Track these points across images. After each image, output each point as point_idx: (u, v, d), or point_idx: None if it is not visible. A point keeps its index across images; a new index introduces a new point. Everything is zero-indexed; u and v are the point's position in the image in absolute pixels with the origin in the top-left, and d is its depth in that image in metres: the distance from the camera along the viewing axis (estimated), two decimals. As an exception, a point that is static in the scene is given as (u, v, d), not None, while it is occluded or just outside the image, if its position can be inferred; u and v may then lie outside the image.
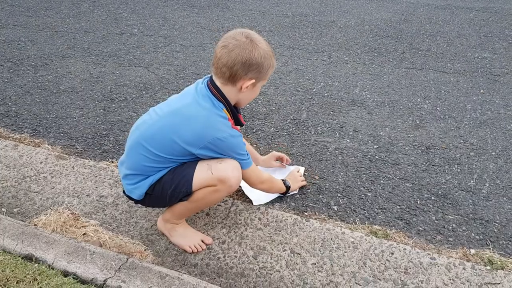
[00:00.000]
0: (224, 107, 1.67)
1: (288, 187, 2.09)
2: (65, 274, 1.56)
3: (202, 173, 1.67)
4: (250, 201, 2.11)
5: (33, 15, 4.93)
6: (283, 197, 2.14)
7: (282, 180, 2.10)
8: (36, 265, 1.57)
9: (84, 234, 1.93)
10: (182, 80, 3.33)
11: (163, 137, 1.64)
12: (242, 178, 1.80)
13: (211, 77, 1.69)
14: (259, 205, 2.09)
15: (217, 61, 1.62)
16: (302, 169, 2.31)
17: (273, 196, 2.14)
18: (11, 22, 4.67)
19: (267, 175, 1.95)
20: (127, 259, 1.61)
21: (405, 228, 1.97)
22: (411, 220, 2.01)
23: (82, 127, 2.70)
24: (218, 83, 1.66)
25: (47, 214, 2.03)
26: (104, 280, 1.52)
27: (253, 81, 1.64)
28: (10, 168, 2.32)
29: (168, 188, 1.71)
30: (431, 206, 2.09)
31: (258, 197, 2.12)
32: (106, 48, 3.92)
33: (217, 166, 1.66)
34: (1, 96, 3.09)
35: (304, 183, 2.21)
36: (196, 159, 1.70)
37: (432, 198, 2.14)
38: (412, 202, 2.12)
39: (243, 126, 2.29)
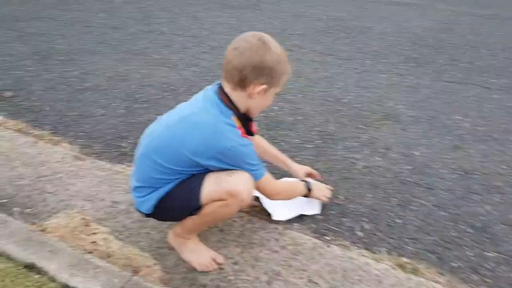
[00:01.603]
0: (233, 114, 1.55)
1: (309, 189, 1.93)
2: (66, 288, 1.47)
3: (211, 186, 1.56)
4: (268, 216, 1.97)
5: (65, 9, 4.95)
6: (304, 216, 2.00)
7: (303, 180, 1.96)
8: (36, 276, 1.49)
9: (93, 242, 1.84)
10: (207, 82, 3.19)
11: (169, 147, 1.54)
12: (257, 190, 1.69)
13: (219, 83, 1.58)
14: (278, 221, 1.96)
15: (227, 64, 1.51)
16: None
17: (295, 213, 2.00)
18: (43, 15, 4.70)
19: (282, 185, 1.82)
20: (131, 277, 1.51)
21: (437, 263, 1.79)
22: (444, 255, 1.83)
23: (102, 127, 2.63)
24: (227, 88, 1.55)
25: (58, 217, 1.96)
26: (105, 299, 1.42)
27: (265, 86, 1.52)
28: (27, 166, 2.27)
29: (176, 202, 1.60)
30: (467, 239, 1.90)
31: (278, 211, 1.99)
32: (135, 46, 3.86)
33: (227, 179, 1.55)
34: (27, 90, 3.06)
35: (326, 199, 2.05)
36: (206, 171, 1.59)
37: (469, 230, 1.95)
38: (447, 233, 1.93)
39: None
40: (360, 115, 2.83)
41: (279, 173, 2.16)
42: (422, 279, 1.69)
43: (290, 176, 2.17)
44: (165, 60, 3.59)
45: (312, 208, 2.03)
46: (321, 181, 2.16)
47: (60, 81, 3.21)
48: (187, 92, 3.06)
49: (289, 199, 1.95)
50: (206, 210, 1.61)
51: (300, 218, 1.99)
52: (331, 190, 2.08)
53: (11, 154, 2.34)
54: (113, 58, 3.62)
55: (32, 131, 2.56)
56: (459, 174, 2.32)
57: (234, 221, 1.95)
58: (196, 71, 3.40)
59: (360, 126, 2.71)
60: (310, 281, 1.68)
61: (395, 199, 2.12)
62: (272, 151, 2.14)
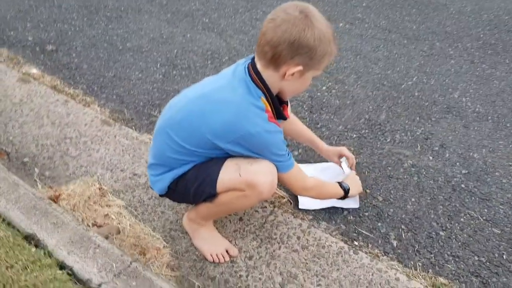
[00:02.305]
0: (263, 95, 1.35)
1: (346, 191, 1.73)
2: (62, 266, 1.38)
3: (228, 174, 1.40)
4: (294, 207, 1.79)
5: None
6: (338, 210, 1.79)
7: (338, 182, 1.75)
8: (34, 249, 1.41)
9: (106, 215, 1.76)
10: (253, 53, 3.02)
11: (189, 125, 1.38)
12: (281, 183, 1.51)
13: (253, 58, 1.37)
14: (304, 217, 1.77)
15: (261, 36, 1.30)
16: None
17: (326, 204, 1.80)
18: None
19: (313, 181, 1.61)
20: (130, 263, 1.39)
21: (479, 290, 1.54)
22: (490, 280, 1.56)
23: (137, 92, 2.52)
24: (259, 65, 1.34)
25: (76, 183, 1.89)
26: (99, 285, 1.31)
27: (300, 68, 1.30)
28: (54, 126, 2.21)
29: (191, 186, 1.46)
30: (522, 267, 1.62)
31: (308, 199, 1.81)
32: (184, 7, 3.68)
33: (247, 167, 1.38)
34: (68, 46, 3.00)
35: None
36: (226, 155, 1.42)
37: (526, 256, 1.66)
38: (497, 255, 1.66)
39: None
40: (419, 105, 2.52)
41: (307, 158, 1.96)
42: (460, 308, 1.46)
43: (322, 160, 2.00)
44: (213, 25, 3.40)
45: (348, 200, 1.82)
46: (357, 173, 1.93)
47: (103, 38, 3.11)
48: (230, 62, 2.86)
49: (319, 198, 1.76)
50: (221, 199, 1.45)
51: (330, 216, 1.79)
52: (367, 189, 1.85)
53: (41, 111, 2.29)
54: (160, 18, 3.46)
55: (66, 89, 2.50)
56: (524, 186, 1.99)
57: (255, 211, 1.79)
58: (243, 39, 3.18)
59: (416, 118, 2.41)
60: (328, 290, 1.50)
61: (442, 207, 1.85)
62: (305, 133, 1.94)
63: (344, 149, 1.95)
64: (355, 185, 1.81)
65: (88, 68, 2.72)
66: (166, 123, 1.45)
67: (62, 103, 2.36)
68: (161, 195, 1.58)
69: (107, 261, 1.38)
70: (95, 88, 2.53)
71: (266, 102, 1.37)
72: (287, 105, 1.54)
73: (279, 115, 1.44)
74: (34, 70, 2.68)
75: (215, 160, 1.44)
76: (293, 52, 1.27)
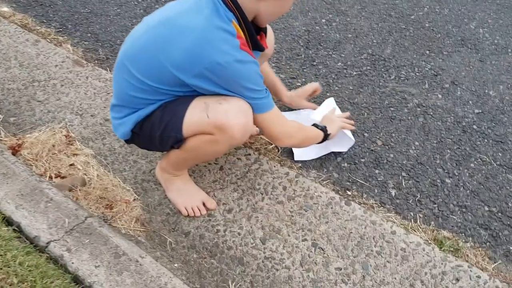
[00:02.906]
0: (235, 19, 1.12)
1: (325, 133, 1.48)
2: (9, 222, 1.23)
3: (195, 115, 1.19)
4: (281, 154, 1.60)
5: None
6: (331, 156, 1.60)
7: (313, 124, 1.51)
8: (-22, 203, 1.25)
9: (71, 164, 1.58)
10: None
11: (148, 56, 1.17)
12: (259, 128, 1.30)
13: None
14: (294, 164, 1.58)
15: None
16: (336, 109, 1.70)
17: (324, 151, 1.61)
18: None
19: (295, 125, 1.38)
20: (85, 219, 1.23)
21: (488, 244, 1.35)
22: (500, 233, 1.38)
23: (114, 29, 2.28)
24: None
25: (41, 131, 1.71)
26: (47, 243, 1.16)
27: None
28: (22, 68, 2.01)
29: (157, 129, 1.26)
30: (538, 218, 1.43)
31: (302, 150, 1.61)
32: None
33: (216, 107, 1.16)
34: (43, -20, 2.73)
35: (347, 125, 1.59)
36: (194, 93, 1.21)
37: (544, 206, 1.46)
38: (510, 205, 1.46)
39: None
40: (429, 37, 2.24)
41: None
42: (464, 263, 1.28)
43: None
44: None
45: (342, 139, 1.62)
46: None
47: (82, -29, 2.83)
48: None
49: (302, 145, 1.52)
50: (189, 144, 1.26)
51: (322, 163, 1.59)
52: (365, 133, 1.64)
53: (9, 52, 2.08)
54: None
55: (38, 27, 2.27)
56: (545, 126, 1.75)
57: (238, 159, 1.60)
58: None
59: (426, 52, 2.13)
60: (314, 245, 1.33)
61: (450, 151, 1.63)
62: (271, 76, 1.69)
63: (312, 85, 1.71)
64: (331, 123, 1.54)
65: (63, 4, 2.46)
66: (124, 55, 1.24)
67: (32, 43, 2.14)
68: (126, 141, 1.39)
69: (59, 216, 1.22)
70: (69, 26, 2.29)
71: (239, 27, 1.14)
72: (265, 33, 1.30)
73: (255, 45, 1.21)
74: (5, 9, 2.43)
75: (182, 99, 1.23)
76: None
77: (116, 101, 1.31)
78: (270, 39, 1.52)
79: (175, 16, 1.16)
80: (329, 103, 1.69)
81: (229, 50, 1.10)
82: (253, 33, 1.19)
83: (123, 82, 1.24)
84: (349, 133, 1.61)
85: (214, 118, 1.17)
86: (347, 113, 1.68)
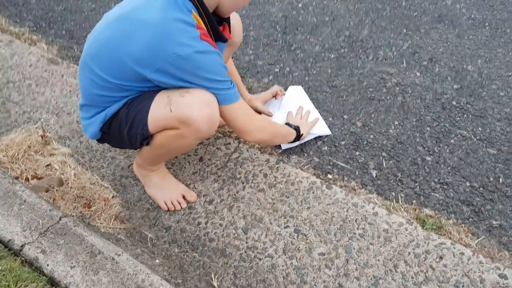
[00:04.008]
0: (195, 9, 1.09)
1: (298, 133, 1.50)
2: (-16, 227, 1.20)
3: (159, 110, 1.16)
4: (263, 147, 1.58)
5: None
6: (311, 141, 1.59)
7: (286, 123, 1.52)
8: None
9: (48, 165, 1.56)
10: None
11: (108, 53, 1.13)
12: (224, 120, 1.26)
13: None
14: (273, 152, 1.57)
15: None
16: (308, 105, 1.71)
17: (308, 137, 1.60)
18: None
19: (264, 118, 1.37)
20: (60, 219, 1.21)
21: (470, 219, 1.35)
22: (483, 208, 1.37)
23: (89, 25, 2.24)
24: None
25: (16, 132, 1.68)
26: (22, 246, 1.14)
27: None
28: (-4, 69, 1.97)
29: (124, 127, 1.23)
30: (519, 190, 1.42)
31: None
32: None
33: (178, 100, 1.13)
34: (14, -21, 2.68)
35: (312, 123, 1.61)
36: (159, 88, 1.18)
37: (524, 178, 1.46)
38: (492, 179, 1.45)
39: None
40: (406, 16, 2.22)
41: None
42: (447, 240, 1.27)
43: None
44: None
45: (321, 126, 1.63)
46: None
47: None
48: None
49: (273, 143, 1.52)
50: (156, 141, 1.23)
51: (302, 148, 1.58)
52: (344, 115, 1.62)
53: (-20, 55, 2.04)
54: None
55: (11, 28, 2.22)
56: (524, 98, 1.75)
57: (218, 149, 1.58)
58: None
59: (403, 30, 2.12)
60: (297, 231, 1.32)
61: (430, 128, 1.62)
62: (235, 77, 1.64)
63: (271, 90, 1.70)
64: (302, 124, 1.57)
65: (36, 3, 2.42)
66: (86, 53, 1.20)
67: (6, 44, 2.10)
68: (99, 141, 1.36)
69: (33, 218, 1.20)
70: (43, 25, 2.25)
71: (199, 17, 1.11)
72: (229, 23, 1.27)
73: (218, 36, 1.18)
74: (-24, 11, 2.39)
75: (146, 94, 1.19)
76: None
77: (84, 101, 1.28)
78: (237, 27, 1.48)
79: (133, 10, 1.11)
80: (295, 91, 1.71)
81: (189, 42, 1.06)
82: (214, 23, 1.15)
83: (87, 81, 1.21)
84: (324, 124, 1.63)
85: (177, 112, 1.13)
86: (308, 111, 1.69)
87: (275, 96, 1.71)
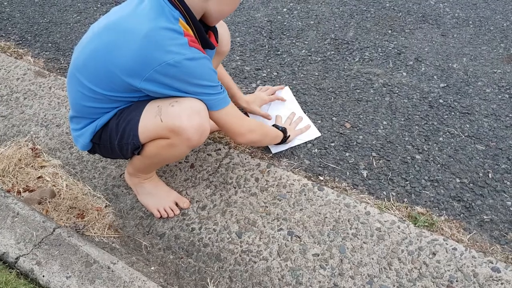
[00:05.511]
0: (182, 17, 1.10)
1: (285, 134, 1.53)
2: (-24, 242, 1.20)
3: (149, 120, 1.16)
4: (256, 149, 1.59)
5: None
6: (301, 144, 1.60)
7: (273, 125, 1.55)
8: None
9: (39, 177, 1.55)
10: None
11: (95, 64, 1.13)
12: (217, 124, 1.27)
13: None
14: (278, 152, 1.58)
15: None
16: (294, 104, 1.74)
17: (295, 141, 1.61)
18: None
19: (254, 120, 1.38)
20: (54, 230, 1.20)
21: (462, 215, 1.36)
22: (473, 204, 1.39)
23: (74, 37, 2.23)
24: None
25: (6, 146, 1.67)
26: (17, 258, 1.13)
27: None
28: (-17, 84, 1.96)
29: (115, 138, 1.22)
30: (509, 184, 1.44)
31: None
32: None
33: (168, 110, 1.13)
34: (-2, -7, 2.67)
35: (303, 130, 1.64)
36: (148, 98, 1.18)
37: (512, 172, 1.48)
38: (481, 174, 1.47)
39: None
40: (390, 16, 2.25)
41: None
42: (439, 236, 1.29)
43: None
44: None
45: (311, 131, 1.65)
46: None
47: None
48: None
49: (263, 143, 1.53)
50: (147, 150, 1.23)
51: (292, 151, 1.59)
52: (333, 117, 1.64)
53: (-34, 70, 2.03)
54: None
55: (-4, 42, 2.22)
56: (509, 94, 1.77)
57: (208, 155, 1.58)
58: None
59: (388, 31, 2.14)
60: (290, 233, 1.33)
61: (418, 127, 1.64)
62: (226, 79, 1.66)
63: (263, 91, 1.74)
64: (289, 128, 1.60)
65: (21, 16, 2.41)
66: (74, 66, 1.20)
67: (-9, 58, 2.09)
68: (90, 152, 1.36)
69: (27, 230, 1.19)
70: (29, 38, 2.24)
71: (186, 25, 1.12)
72: (215, 32, 1.29)
73: (205, 43, 1.19)
74: (-39, 26, 2.38)
75: (137, 104, 1.20)
76: None
77: (73, 113, 1.27)
78: (225, 36, 1.50)
79: (119, 20, 1.11)
80: (283, 93, 1.74)
81: (177, 49, 1.06)
82: (201, 30, 1.16)
83: (76, 93, 1.21)
84: (314, 129, 1.66)
85: (168, 121, 1.13)
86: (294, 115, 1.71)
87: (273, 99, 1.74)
